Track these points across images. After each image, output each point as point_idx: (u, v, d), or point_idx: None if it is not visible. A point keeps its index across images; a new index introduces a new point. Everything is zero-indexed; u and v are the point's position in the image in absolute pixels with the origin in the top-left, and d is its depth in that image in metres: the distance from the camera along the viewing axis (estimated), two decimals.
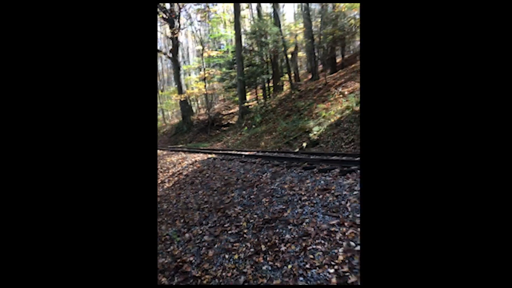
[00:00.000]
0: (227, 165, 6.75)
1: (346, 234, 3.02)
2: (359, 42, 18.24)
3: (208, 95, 21.41)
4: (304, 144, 9.91)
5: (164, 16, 20.84)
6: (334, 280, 2.54)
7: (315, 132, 10.12)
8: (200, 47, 22.57)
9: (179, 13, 20.75)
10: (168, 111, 34.50)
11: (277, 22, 15.79)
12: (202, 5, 25.13)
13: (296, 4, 22.12)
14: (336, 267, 2.67)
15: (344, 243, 2.92)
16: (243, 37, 17.93)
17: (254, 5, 22.22)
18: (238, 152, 8.54)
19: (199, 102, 28.16)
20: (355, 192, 3.65)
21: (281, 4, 21.42)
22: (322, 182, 4.16)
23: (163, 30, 21.36)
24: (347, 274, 2.56)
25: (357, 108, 10.12)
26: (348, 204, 3.47)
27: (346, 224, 3.18)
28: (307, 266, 2.83)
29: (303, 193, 4.09)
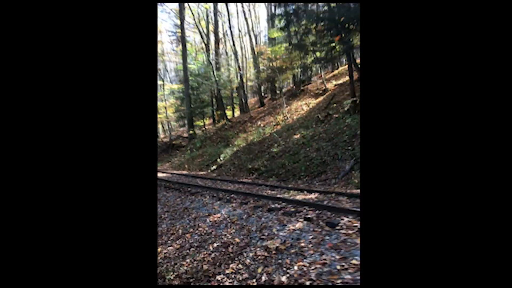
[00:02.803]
0: None
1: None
2: (289, 79, 22.43)
3: (169, 121, 25.29)
4: (213, 167, 13.73)
5: None
6: None
7: (221, 158, 13.98)
8: (161, 82, 26.70)
9: None
10: None
11: (215, 68, 19.95)
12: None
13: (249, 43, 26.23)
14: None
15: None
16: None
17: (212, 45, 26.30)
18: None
19: (165, 125, 32.11)
20: (176, 199, 7.45)
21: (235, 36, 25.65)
22: (171, 195, 7.96)
23: None
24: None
25: (257, 140, 14.02)
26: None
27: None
28: None
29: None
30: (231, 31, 20.10)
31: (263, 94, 22.97)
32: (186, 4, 21.52)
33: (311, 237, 3.45)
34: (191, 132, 20.60)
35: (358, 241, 3.11)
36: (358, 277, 2.54)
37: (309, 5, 10.36)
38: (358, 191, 5.99)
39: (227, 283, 3.21)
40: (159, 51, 31.08)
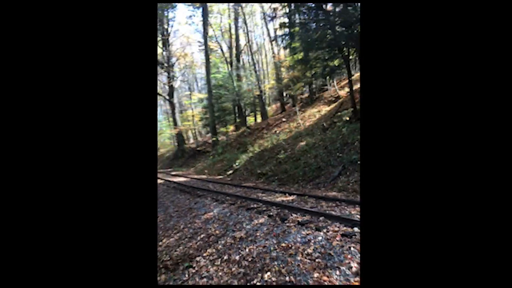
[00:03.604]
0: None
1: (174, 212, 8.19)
2: (306, 87, 23.28)
3: (195, 129, 27.12)
4: (230, 172, 15.00)
5: (162, 67, 27.06)
6: None
7: (237, 163, 15.22)
8: (188, 93, 28.69)
9: (173, 64, 26.89)
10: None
11: (237, 79, 21.44)
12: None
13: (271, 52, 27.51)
14: None
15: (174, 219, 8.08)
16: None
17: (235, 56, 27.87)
18: (169, 179, 13.89)
19: (193, 131, 34.21)
20: (186, 200, 8.77)
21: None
22: (183, 197, 9.32)
23: (160, 78, 27.74)
24: None
25: (269, 146, 15.10)
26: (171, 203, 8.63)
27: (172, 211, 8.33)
28: None
29: (171, 202, 9.28)
30: (249, 45, 21.51)
31: (285, 100, 24.00)
32: (209, 19, 23.26)
33: (265, 228, 4.53)
34: (214, 139, 22.20)
35: (293, 230, 4.16)
36: (281, 254, 3.61)
37: (307, 28, 11.28)
38: (334, 193, 6.91)
39: (202, 262, 4.37)
40: (189, 62, 33.25)
